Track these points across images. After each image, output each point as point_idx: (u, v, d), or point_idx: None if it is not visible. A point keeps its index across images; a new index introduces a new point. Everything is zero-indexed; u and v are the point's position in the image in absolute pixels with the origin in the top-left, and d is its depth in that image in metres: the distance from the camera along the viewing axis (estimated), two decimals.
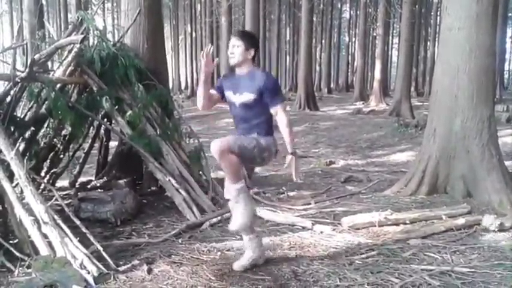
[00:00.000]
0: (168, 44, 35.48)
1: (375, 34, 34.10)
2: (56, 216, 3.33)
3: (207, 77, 3.18)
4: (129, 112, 4.95)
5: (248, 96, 3.08)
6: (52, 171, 5.31)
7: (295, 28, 37.39)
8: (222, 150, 2.91)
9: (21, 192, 3.51)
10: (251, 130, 3.15)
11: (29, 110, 4.68)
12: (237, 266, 3.26)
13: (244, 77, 3.14)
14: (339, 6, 44.45)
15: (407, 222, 4.30)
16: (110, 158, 6.01)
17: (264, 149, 3.12)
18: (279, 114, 3.08)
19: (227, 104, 3.32)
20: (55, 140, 5.12)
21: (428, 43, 36.74)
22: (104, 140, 5.89)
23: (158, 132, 5.03)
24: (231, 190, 3.13)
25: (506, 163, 5.37)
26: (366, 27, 27.17)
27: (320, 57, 41.22)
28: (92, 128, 5.67)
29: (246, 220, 3.13)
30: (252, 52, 3.13)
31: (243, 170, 3.21)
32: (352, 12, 45.17)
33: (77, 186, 5.59)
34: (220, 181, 4.74)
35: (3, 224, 3.70)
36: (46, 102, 4.59)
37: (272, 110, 3.10)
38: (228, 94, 3.23)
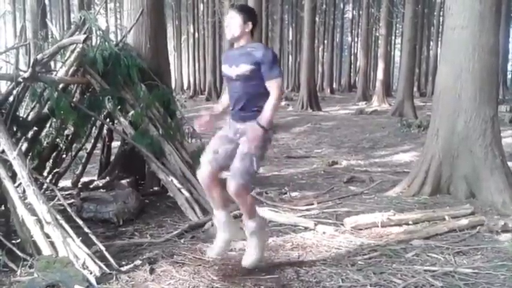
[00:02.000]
0: (171, 44, 35.47)
1: (377, 34, 34.06)
2: (58, 216, 3.33)
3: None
4: (132, 112, 4.96)
5: (245, 68, 2.95)
6: (54, 171, 5.30)
7: (298, 28, 37.41)
8: (239, 192, 2.95)
9: (24, 192, 3.51)
10: (250, 113, 3.02)
11: (31, 110, 4.68)
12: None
13: (241, 49, 3.01)
14: (342, 6, 44.43)
15: (410, 222, 4.28)
16: (112, 158, 6.01)
17: (264, 142, 3.02)
18: (272, 89, 2.95)
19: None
20: (58, 140, 5.12)
21: (431, 43, 36.66)
22: (107, 140, 5.90)
23: (161, 132, 5.03)
24: (248, 226, 3.16)
25: (510, 164, 5.35)
26: (368, 27, 27.15)
27: (322, 58, 41.21)
28: (94, 128, 5.67)
29: (260, 256, 3.15)
30: (249, 25, 3.01)
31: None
32: (354, 12, 45.12)
33: (79, 186, 5.60)
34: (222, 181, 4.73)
35: (6, 223, 3.71)
36: (49, 102, 4.60)
37: (267, 83, 2.96)
38: (224, 68, 3.11)
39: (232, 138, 3.14)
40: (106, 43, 5.01)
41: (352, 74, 44.92)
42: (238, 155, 2.99)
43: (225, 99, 3.35)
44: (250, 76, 2.97)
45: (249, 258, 3.16)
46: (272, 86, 2.96)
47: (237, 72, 3.01)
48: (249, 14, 3.03)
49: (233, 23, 2.99)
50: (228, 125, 3.23)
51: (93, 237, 3.40)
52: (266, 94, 2.98)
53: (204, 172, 3.14)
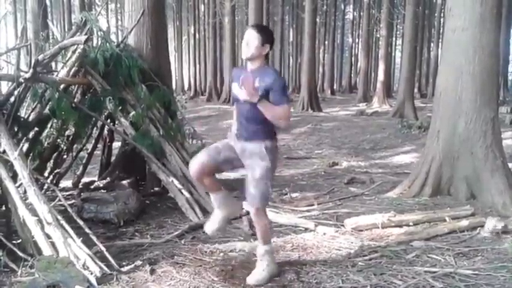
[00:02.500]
0: (172, 45, 35.47)
1: (378, 35, 34.07)
2: (59, 217, 3.34)
3: None
4: (133, 113, 4.96)
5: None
6: (55, 171, 5.31)
7: (299, 29, 37.43)
8: (260, 213, 3.13)
9: (25, 192, 3.51)
10: (256, 134, 3.03)
11: (32, 111, 4.69)
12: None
13: (254, 72, 3.00)
14: (343, 7, 44.41)
15: (411, 224, 4.28)
16: (113, 158, 6.02)
17: (273, 166, 3.07)
18: (283, 109, 2.91)
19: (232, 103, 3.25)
20: (58, 140, 5.13)
21: (432, 44, 36.64)
22: (107, 140, 5.90)
23: (161, 133, 5.04)
24: (259, 249, 3.21)
25: (510, 165, 5.35)
26: (369, 28, 27.18)
27: (323, 59, 41.22)
28: (95, 128, 5.68)
29: (266, 279, 3.14)
30: (267, 48, 3.01)
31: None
32: (355, 13, 45.14)
33: (80, 186, 5.60)
34: (222, 181, 4.73)
35: (7, 224, 3.71)
36: (50, 103, 4.60)
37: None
38: (234, 87, 3.11)
39: (236, 152, 3.13)
40: (107, 44, 5.02)
41: (352, 75, 44.93)
42: (252, 181, 3.04)
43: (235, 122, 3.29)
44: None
45: (254, 276, 3.15)
46: (282, 110, 2.95)
47: (245, 97, 2.97)
48: (268, 37, 3.03)
49: (252, 43, 2.97)
50: (232, 139, 3.20)
51: (94, 238, 3.40)
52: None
53: (196, 160, 3.11)
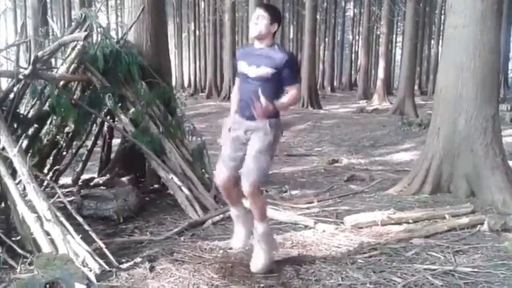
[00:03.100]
0: (172, 42, 35.43)
1: (378, 32, 33.97)
2: (58, 214, 3.34)
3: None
4: (132, 109, 4.95)
5: (266, 70, 2.97)
6: (55, 168, 5.30)
7: (299, 26, 37.38)
8: (254, 191, 3.00)
9: (24, 189, 3.51)
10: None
11: (32, 107, 4.68)
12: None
13: (264, 50, 3.03)
14: (343, 4, 44.34)
15: (410, 221, 4.28)
16: (112, 155, 6.01)
17: (275, 141, 3.07)
18: (292, 91, 3.01)
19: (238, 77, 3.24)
20: (58, 137, 5.12)
21: (432, 41, 36.58)
22: (107, 137, 5.89)
23: (161, 130, 5.03)
24: (258, 229, 3.17)
25: (510, 162, 5.34)
26: (369, 25, 27.15)
27: (323, 56, 41.15)
28: (94, 125, 5.67)
29: (268, 261, 3.15)
30: (275, 26, 3.04)
31: None
32: (356, 10, 45.06)
33: (79, 183, 5.59)
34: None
35: (6, 220, 3.71)
36: (49, 100, 4.59)
37: (287, 88, 3.02)
38: (241, 64, 3.11)
39: (243, 140, 3.13)
40: (107, 40, 5.00)
41: (353, 72, 44.87)
42: (251, 155, 3.02)
43: (235, 100, 3.30)
44: (269, 79, 2.99)
45: (256, 264, 3.17)
46: (292, 90, 3.03)
47: (256, 73, 3.02)
48: (276, 16, 3.07)
49: (261, 22, 3.00)
50: (236, 123, 3.19)
51: (93, 235, 3.41)
52: (280, 94, 3.04)
53: (222, 176, 3.18)
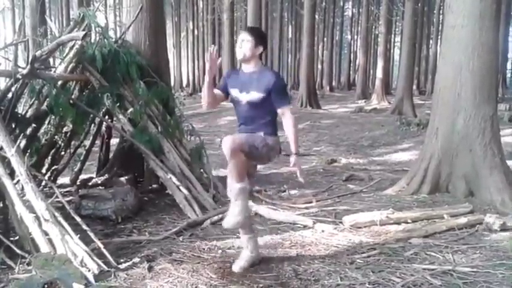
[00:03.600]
0: (170, 41, 35.40)
1: (377, 32, 34.02)
2: (56, 214, 3.33)
3: (212, 78, 3.15)
4: (131, 109, 4.95)
5: (256, 95, 3.08)
6: (53, 168, 5.30)
7: (298, 26, 37.40)
8: (234, 147, 2.92)
9: (22, 189, 3.50)
10: (257, 130, 3.15)
11: (30, 107, 4.67)
12: (237, 267, 3.22)
13: (251, 75, 3.13)
14: (341, 4, 44.37)
15: (409, 221, 4.29)
16: (111, 155, 6.00)
17: (271, 148, 3.15)
18: (286, 115, 3.10)
19: (230, 101, 3.31)
20: (56, 137, 5.11)
21: (431, 41, 36.66)
22: (105, 137, 5.88)
23: (159, 130, 5.03)
24: (232, 188, 3.07)
25: (509, 162, 5.35)
26: (368, 25, 27.18)
27: (322, 55, 41.15)
28: (93, 125, 5.66)
29: (241, 219, 3.07)
30: (260, 49, 3.13)
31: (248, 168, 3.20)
32: (354, 10, 45.09)
33: (78, 183, 5.59)
34: (222, 179, 4.73)
35: (4, 220, 3.70)
36: (47, 99, 4.59)
37: (279, 110, 3.11)
38: (234, 92, 3.21)
39: None
40: (105, 40, 5.00)
41: (351, 72, 44.91)
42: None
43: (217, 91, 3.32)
44: (260, 103, 3.10)
45: (228, 219, 3.07)
46: (285, 112, 3.11)
47: (247, 99, 3.13)
48: (260, 38, 3.15)
49: (245, 45, 3.09)
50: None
51: (92, 235, 3.40)
52: (274, 114, 3.16)
53: (230, 138, 3.00)
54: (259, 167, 3.72)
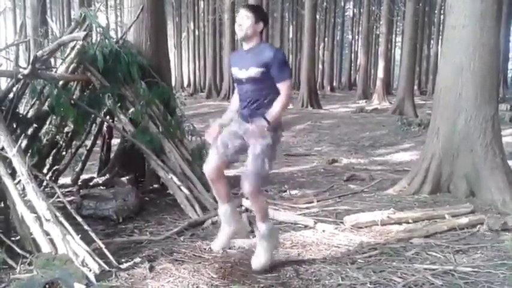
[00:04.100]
0: (171, 42, 35.37)
1: (378, 32, 34.01)
2: (58, 213, 3.33)
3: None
4: (132, 109, 4.95)
5: (255, 71, 2.98)
6: (54, 168, 5.30)
7: (298, 26, 37.35)
8: (254, 193, 3.01)
9: (23, 189, 3.50)
10: (259, 110, 3.04)
11: (31, 107, 4.67)
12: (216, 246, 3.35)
13: (251, 51, 3.03)
14: (342, 4, 44.35)
15: (410, 221, 4.28)
16: (112, 155, 6.00)
17: (274, 143, 3.07)
18: (282, 90, 3.00)
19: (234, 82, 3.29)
20: (57, 137, 5.12)
21: (432, 41, 36.63)
22: (106, 137, 5.89)
23: (160, 130, 5.03)
24: (258, 227, 3.20)
25: (510, 162, 5.34)
26: (369, 25, 27.18)
27: (323, 56, 41.16)
28: (94, 125, 5.67)
29: (268, 260, 3.17)
30: (261, 25, 3.03)
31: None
32: (355, 10, 45.08)
33: (79, 183, 5.59)
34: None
35: (5, 220, 3.70)
36: (48, 99, 4.59)
37: (278, 85, 3.01)
38: (234, 70, 3.14)
39: (241, 135, 3.17)
40: (106, 40, 5.00)
41: (352, 72, 44.90)
42: (250, 157, 3.03)
43: (234, 102, 3.35)
44: (259, 78, 3.00)
45: (257, 261, 3.17)
46: (282, 87, 3.01)
47: (246, 75, 3.03)
48: (260, 14, 3.06)
49: (245, 23, 2.99)
50: (236, 121, 3.25)
51: (93, 235, 3.40)
52: (276, 93, 3.03)
53: (211, 165, 3.17)
54: None
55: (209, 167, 3.18)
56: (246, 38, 3.03)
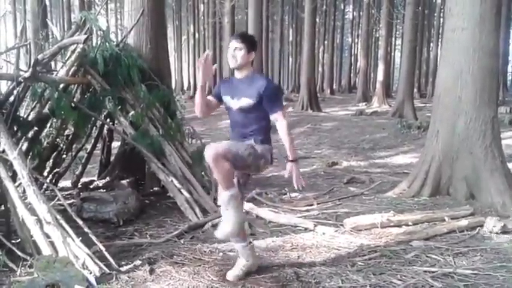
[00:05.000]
0: (171, 45, 35.42)
1: (377, 35, 34.08)
2: (58, 216, 3.34)
3: (205, 84, 3.11)
4: (132, 112, 4.96)
5: (247, 101, 3.02)
6: (55, 171, 5.31)
7: (298, 29, 37.40)
8: (216, 156, 2.81)
9: (24, 191, 3.51)
10: (248, 136, 3.08)
11: (32, 110, 4.69)
12: (231, 276, 3.16)
13: (243, 81, 3.08)
14: (342, 7, 44.40)
15: (410, 223, 4.29)
16: (112, 158, 6.02)
17: (259, 156, 3.04)
18: (279, 121, 3.02)
19: (225, 108, 3.27)
20: (58, 140, 5.13)
21: (432, 44, 36.67)
22: (107, 140, 5.90)
23: (161, 133, 5.04)
24: (222, 196, 3.03)
25: (509, 165, 5.35)
26: (368, 28, 27.15)
27: (323, 58, 41.20)
28: (94, 128, 5.68)
29: (233, 229, 3.03)
30: (252, 55, 3.09)
31: (237, 175, 3.13)
32: (355, 13, 45.13)
33: (79, 186, 5.61)
34: None
35: (6, 223, 3.71)
36: (49, 102, 4.61)
37: (272, 117, 3.04)
38: (226, 99, 3.18)
39: None
40: (107, 43, 5.02)
41: (352, 75, 44.93)
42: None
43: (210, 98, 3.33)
44: (251, 109, 3.04)
45: (221, 229, 3.03)
46: (278, 118, 3.02)
47: (239, 105, 3.07)
48: (252, 44, 3.09)
49: (238, 54, 3.03)
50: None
51: (93, 237, 3.40)
52: (267, 122, 3.08)
53: (212, 147, 2.91)
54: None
55: (208, 153, 2.90)
56: (238, 68, 3.09)
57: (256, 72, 3.22)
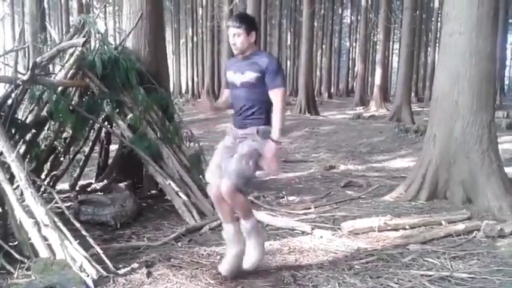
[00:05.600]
0: (169, 48, 35.51)
1: (375, 39, 34.17)
2: (56, 219, 3.33)
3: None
4: (130, 115, 4.97)
5: (250, 76, 3.03)
6: (52, 173, 5.31)
7: (296, 33, 37.52)
8: (230, 193, 2.93)
9: (22, 194, 3.51)
10: (251, 120, 3.09)
11: (30, 113, 4.69)
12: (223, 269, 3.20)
13: (248, 57, 3.10)
14: (340, 11, 44.52)
15: (407, 227, 4.29)
16: (110, 161, 6.01)
17: (262, 146, 3.05)
18: (276, 98, 3.02)
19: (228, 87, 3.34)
20: (56, 142, 5.13)
21: (429, 49, 36.81)
22: (105, 143, 5.90)
23: (159, 136, 5.04)
24: (244, 226, 3.14)
25: (506, 169, 5.37)
26: (366, 32, 27.25)
27: (321, 62, 41.29)
28: (92, 131, 5.68)
29: (260, 257, 3.16)
30: (253, 35, 3.08)
31: None
32: (353, 17, 45.24)
33: (77, 189, 5.60)
34: None
35: (4, 226, 3.70)
36: (47, 105, 4.61)
37: (271, 92, 3.04)
38: (229, 74, 3.19)
39: (231, 146, 3.18)
40: (105, 46, 5.02)
41: (350, 79, 45.04)
42: (235, 156, 3.04)
43: (225, 95, 3.43)
44: (254, 84, 3.05)
45: (249, 260, 3.15)
46: (275, 95, 3.03)
47: (242, 80, 3.09)
48: (250, 24, 3.09)
49: (237, 40, 3.06)
50: (229, 133, 3.29)
51: (91, 240, 3.40)
52: (269, 102, 3.07)
53: (213, 188, 3.15)
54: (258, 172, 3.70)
55: (212, 191, 3.18)
56: (243, 52, 3.11)
57: (261, 50, 3.24)
